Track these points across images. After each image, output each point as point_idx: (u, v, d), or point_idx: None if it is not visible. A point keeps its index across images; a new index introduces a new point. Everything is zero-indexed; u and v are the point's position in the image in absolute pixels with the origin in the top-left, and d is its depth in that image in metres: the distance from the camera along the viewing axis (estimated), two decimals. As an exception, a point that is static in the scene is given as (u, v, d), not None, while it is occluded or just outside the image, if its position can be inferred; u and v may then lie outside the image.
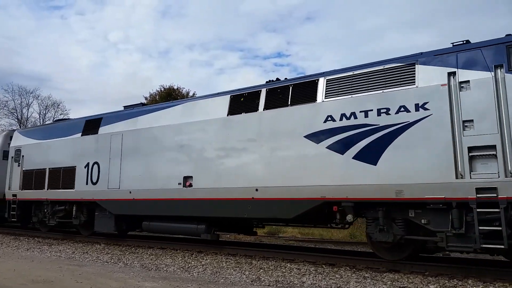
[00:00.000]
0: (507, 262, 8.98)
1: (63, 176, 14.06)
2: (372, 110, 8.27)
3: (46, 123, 17.15)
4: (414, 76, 8.02)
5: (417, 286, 6.69)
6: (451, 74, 7.66)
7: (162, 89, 38.01)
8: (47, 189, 14.55)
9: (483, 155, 7.07)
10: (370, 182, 8.06)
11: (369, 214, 8.46)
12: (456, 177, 7.21)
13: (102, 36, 77.96)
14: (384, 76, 8.42)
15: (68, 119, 16.28)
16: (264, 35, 78.45)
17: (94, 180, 13.03)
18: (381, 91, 8.32)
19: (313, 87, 9.25)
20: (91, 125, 13.78)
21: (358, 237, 16.03)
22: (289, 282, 7.21)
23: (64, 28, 75.62)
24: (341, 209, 8.59)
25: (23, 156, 15.93)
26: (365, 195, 8.15)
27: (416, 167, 7.60)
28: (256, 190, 9.54)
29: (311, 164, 8.82)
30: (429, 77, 7.86)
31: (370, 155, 8.11)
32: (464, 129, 7.29)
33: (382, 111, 8.15)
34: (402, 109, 7.94)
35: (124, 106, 13.85)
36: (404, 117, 7.88)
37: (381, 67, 8.54)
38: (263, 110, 9.88)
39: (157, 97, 36.76)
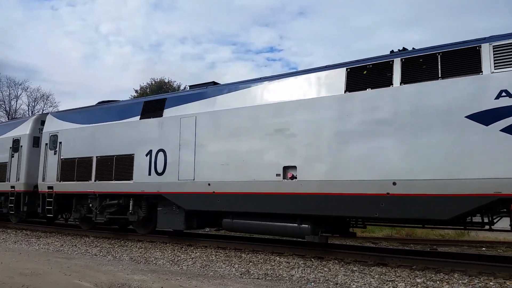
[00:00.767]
0: (490, 256, 9.15)
1: (117, 166, 12.05)
2: None
3: (87, 105, 14.91)
4: None
5: (404, 279, 6.78)
6: None
7: (153, 82, 37.78)
8: (95, 181, 12.52)
9: None
10: None
11: None
12: None
13: (93, 27, 77.14)
14: None
15: (115, 100, 14.22)
16: (256, 29, 78.30)
17: (160, 170, 11.10)
18: None
19: (474, 56, 7.48)
20: (152, 107, 11.81)
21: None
22: (278, 275, 7.26)
23: (55, 19, 74.65)
24: None
25: (60, 142, 13.77)
26: None
27: None
28: (394, 184, 7.75)
29: (478, 152, 7.07)
30: None
31: None
32: None
33: None
34: None
35: (190, 86, 12.21)
36: None
37: None
38: (400, 84, 8.02)
39: (148, 90, 36.54)
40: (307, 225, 8.88)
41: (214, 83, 11.35)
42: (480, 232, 11.28)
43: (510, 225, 7.32)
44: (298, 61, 73.13)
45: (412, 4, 60.72)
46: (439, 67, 7.71)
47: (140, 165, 11.50)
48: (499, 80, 7.05)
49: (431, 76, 7.71)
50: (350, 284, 6.54)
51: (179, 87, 37.09)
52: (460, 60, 7.57)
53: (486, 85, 7.14)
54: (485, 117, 7.07)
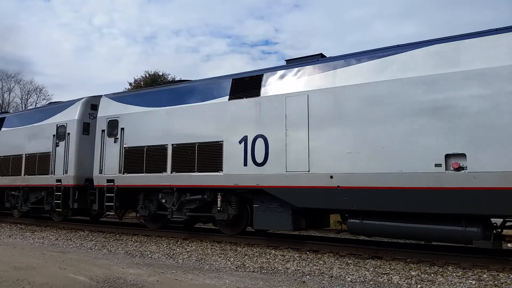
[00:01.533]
0: (482, 249, 9.22)
1: (200, 155, 10.36)
2: None
3: (154, 86, 13.58)
4: None
5: (399, 272, 6.83)
6: None
7: (147, 75, 37.56)
8: (171, 172, 10.82)
9: None
10: None
11: None
12: None
13: (87, 19, 76.44)
14: None
15: (187, 80, 12.32)
16: (251, 21, 77.94)
17: (259, 159, 9.42)
18: None
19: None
20: (245, 85, 10.08)
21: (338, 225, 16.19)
22: (273, 268, 7.29)
23: (47, 11, 73.85)
24: None
25: (122, 128, 11.95)
26: None
27: None
28: None
29: None
30: None
31: None
32: None
33: None
34: None
35: (287, 60, 10.23)
36: None
37: None
38: None
39: (142, 83, 36.35)
40: (476, 228, 7.20)
41: (322, 56, 9.67)
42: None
43: None
44: (293, 54, 73.00)
45: (408, -2, 60.79)
46: None
47: (232, 154, 9.85)
48: None
49: None
50: (345, 277, 6.58)
51: (173, 79, 36.89)
52: None
53: None
54: None
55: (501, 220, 7.65)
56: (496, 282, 6.12)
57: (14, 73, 47.20)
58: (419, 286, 5.97)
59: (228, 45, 78.32)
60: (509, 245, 10.44)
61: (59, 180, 13.32)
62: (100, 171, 12.29)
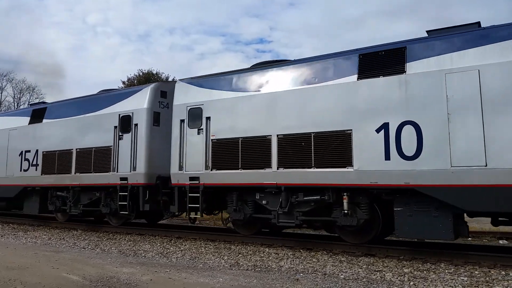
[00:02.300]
0: (475, 246, 9.32)
1: (319, 148, 8.66)
2: None
3: (252, 67, 10.61)
4: None
5: (392, 269, 6.87)
6: None
7: (141, 74, 37.39)
8: (277, 168, 9.13)
9: None
10: None
11: None
12: None
13: (81, 18, 75.94)
14: None
15: (282, 61, 10.27)
16: (246, 20, 77.83)
17: (409, 152, 7.70)
18: None
19: None
20: (381, 61, 8.39)
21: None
22: (267, 266, 7.30)
23: (40, 9, 73.24)
24: None
25: (208, 118, 10.32)
26: None
27: None
28: None
29: None
30: None
31: None
32: None
33: None
34: None
35: (428, 31, 8.52)
36: None
37: None
38: None
39: (135, 81, 36.18)
40: None
41: (479, 25, 8.07)
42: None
43: None
44: (288, 52, 73.03)
45: (402, -4, 60.99)
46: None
47: (366, 145, 8.19)
48: None
49: None
50: (338, 274, 6.61)
51: (167, 78, 36.74)
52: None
53: None
54: None
55: None
56: (487, 279, 6.18)
57: (6, 71, 46.84)
58: (411, 283, 6.00)
59: (223, 43, 78.27)
60: (500, 242, 10.54)
61: (124, 179, 11.59)
62: (180, 168, 10.62)
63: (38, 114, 14.66)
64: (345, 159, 8.33)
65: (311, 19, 74.33)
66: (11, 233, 12.38)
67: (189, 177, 10.39)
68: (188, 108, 10.72)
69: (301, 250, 8.84)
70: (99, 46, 74.50)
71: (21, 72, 78.60)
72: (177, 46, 76.09)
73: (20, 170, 14.52)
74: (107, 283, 5.84)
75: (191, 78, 11.28)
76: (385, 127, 8.01)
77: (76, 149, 12.88)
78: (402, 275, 6.44)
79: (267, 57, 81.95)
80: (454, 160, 7.26)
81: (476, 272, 6.58)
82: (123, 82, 37.57)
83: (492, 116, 7.06)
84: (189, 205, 10.34)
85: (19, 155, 14.64)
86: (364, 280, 6.23)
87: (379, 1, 64.77)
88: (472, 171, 7.08)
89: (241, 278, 6.31)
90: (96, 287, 5.69)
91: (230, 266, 7.41)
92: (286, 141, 9.11)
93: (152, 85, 12.06)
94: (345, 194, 8.42)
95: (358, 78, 8.47)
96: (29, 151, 14.36)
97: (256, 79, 9.96)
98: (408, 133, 7.74)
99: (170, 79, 36.13)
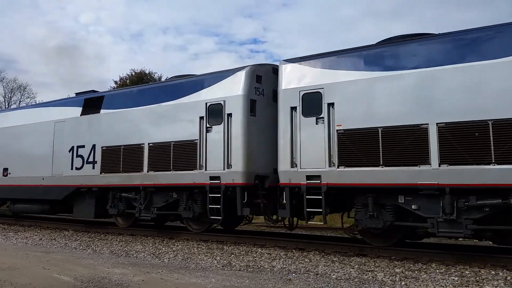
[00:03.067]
0: (467, 246, 9.40)
1: (502, 138, 6.91)
2: None
3: (394, 40, 8.55)
4: None
5: (384, 269, 6.91)
6: None
7: (133, 73, 37.25)
8: (438, 166, 7.38)
9: None
10: None
11: None
12: None
13: (73, 17, 75.43)
14: None
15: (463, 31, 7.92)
16: (240, 20, 77.81)
17: None
18: None
19: None
20: None
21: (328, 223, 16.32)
22: (259, 266, 7.31)
23: (33, 8, 72.62)
24: None
25: (331, 104, 8.66)
26: None
27: None
28: None
29: None
30: None
31: None
32: None
33: None
34: None
35: None
36: None
37: None
38: None
39: (128, 81, 36.02)
40: None
41: None
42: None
43: None
44: (281, 53, 73.17)
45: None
46: None
47: None
48: None
49: None
50: (330, 274, 6.63)
51: (160, 78, 36.62)
52: None
53: None
54: None
55: None
56: (477, 278, 6.24)
57: (-2, 70, 46.37)
58: (403, 283, 6.05)
59: (216, 43, 78.14)
60: (490, 242, 10.62)
61: (215, 178, 9.97)
62: (293, 165, 9.04)
63: (93, 104, 12.84)
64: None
65: (305, 19, 74.56)
66: (1, 234, 12.25)
67: (306, 176, 8.84)
68: (302, 93, 9.08)
69: (293, 250, 8.86)
70: (91, 45, 74.05)
71: (13, 71, 77.90)
72: (170, 46, 75.89)
73: (71, 169, 12.71)
74: (99, 284, 5.82)
75: (300, 57, 9.60)
76: None
77: (149, 143, 11.17)
78: (393, 275, 6.48)
79: (261, 57, 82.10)
80: None
81: (467, 272, 6.64)
82: (115, 82, 37.41)
83: None
84: (308, 210, 8.68)
85: (69, 151, 12.83)
86: (356, 280, 6.26)
87: (374, 1, 65.06)
88: None
89: (234, 278, 6.31)
90: (88, 287, 5.66)
91: (223, 266, 7.41)
92: (451, 131, 7.35)
93: (247, 68, 10.21)
94: None
95: None
96: (82, 146, 12.58)
97: (403, 55, 8.23)
98: None
99: (163, 79, 35.93)
